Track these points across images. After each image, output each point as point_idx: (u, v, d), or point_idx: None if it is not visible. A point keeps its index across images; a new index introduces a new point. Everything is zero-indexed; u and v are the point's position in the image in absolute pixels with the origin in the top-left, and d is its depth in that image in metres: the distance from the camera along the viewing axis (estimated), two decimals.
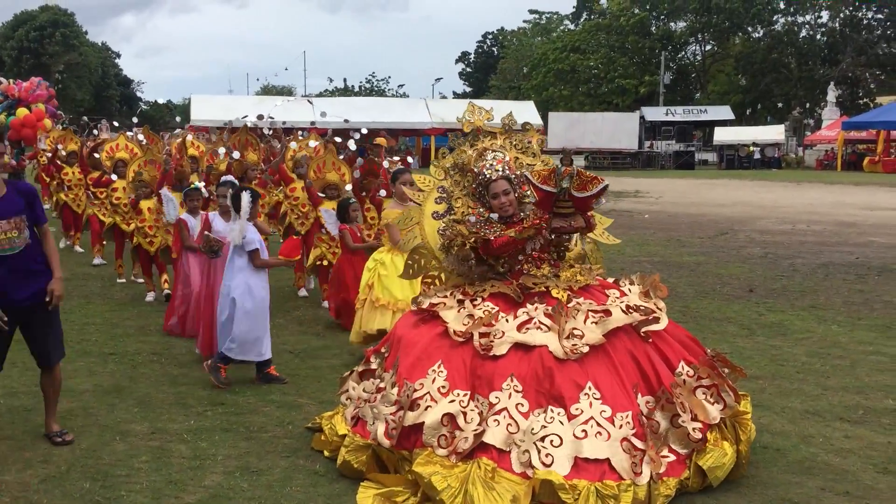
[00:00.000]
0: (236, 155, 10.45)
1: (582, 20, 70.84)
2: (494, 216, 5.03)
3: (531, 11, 79.98)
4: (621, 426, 4.25)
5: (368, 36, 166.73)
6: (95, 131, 19.16)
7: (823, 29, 63.26)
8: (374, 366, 5.14)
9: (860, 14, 61.80)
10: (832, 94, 54.22)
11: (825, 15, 62.86)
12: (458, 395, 4.46)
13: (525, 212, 5.06)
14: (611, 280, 5.19)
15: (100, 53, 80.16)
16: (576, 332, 4.54)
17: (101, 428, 5.36)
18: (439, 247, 5.18)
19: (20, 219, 4.92)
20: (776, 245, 14.85)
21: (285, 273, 10.46)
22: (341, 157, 9.98)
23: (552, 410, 4.29)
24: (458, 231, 4.96)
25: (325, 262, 9.16)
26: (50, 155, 14.67)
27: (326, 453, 4.94)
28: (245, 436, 5.32)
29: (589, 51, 63.78)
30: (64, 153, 14.35)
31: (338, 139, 11.00)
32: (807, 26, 63.59)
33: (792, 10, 62.67)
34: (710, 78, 67.21)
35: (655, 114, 53.00)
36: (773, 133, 52.72)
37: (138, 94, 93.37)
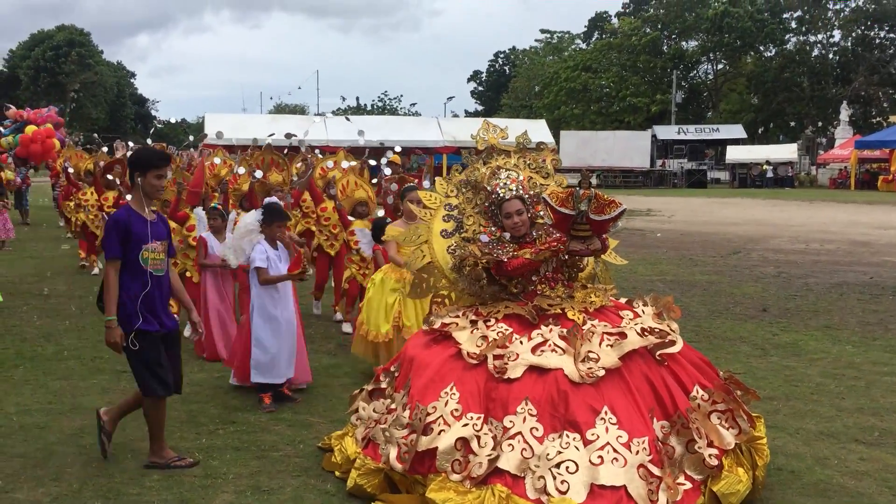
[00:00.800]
0: (258, 174, 9.89)
1: (593, 39, 71.20)
2: (507, 235, 5.01)
3: (543, 31, 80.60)
4: (638, 452, 4.19)
5: (380, 55, 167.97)
6: (105, 148, 19.11)
7: (836, 48, 63.34)
8: (384, 385, 5.12)
9: (872, 33, 61.80)
10: (845, 112, 54.14)
11: (837, 34, 62.98)
12: (472, 418, 4.41)
13: (537, 232, 5.03)
14: (624, 301, 5.15)
15: (115, 72, 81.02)
16: (591, 355, 4.48)
17: (113, 446, 5.36)
18: (450, 266, 5.15)
19: (166, 244, 5.11)
20: (789, 264, 14.78)
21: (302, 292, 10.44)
22: (374, 180, 9.82)
23: (568, 436, 4.23)
24: (471, 251, 4.92)
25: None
26: (69, 174, 14.70)
27: (337, 473, 4.92)
28: (256, 454, 5.31)
29: (601, 70, 64.00)
30: (72, 172, 14.40)
31: (372, 161, 10.72)
32: (819, 45, 63.69)
33: (804, 29, 62.78)
34: (722, 97, 67.27)
35: (667, 132, 53.06)
36: (786, 152, 52.69)
37: (153, 112, 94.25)
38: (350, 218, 9.09)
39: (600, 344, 4.56)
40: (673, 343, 4.70)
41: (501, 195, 5.02)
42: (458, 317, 4.96)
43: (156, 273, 4.96)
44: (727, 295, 11.55)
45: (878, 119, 60.65)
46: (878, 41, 62.14)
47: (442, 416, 4.44)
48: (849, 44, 62.50)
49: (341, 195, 9.27)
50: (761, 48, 63.42)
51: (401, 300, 7.06)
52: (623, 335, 4.62)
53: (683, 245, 18.10)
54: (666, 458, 4.26)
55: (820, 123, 63.38)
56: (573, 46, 75.80)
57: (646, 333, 4.66)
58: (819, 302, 10.94)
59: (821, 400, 6.54)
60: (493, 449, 4.27)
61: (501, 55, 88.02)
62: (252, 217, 6.62)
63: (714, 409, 4.56)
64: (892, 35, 61.49)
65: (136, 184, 5.02)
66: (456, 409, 4.44)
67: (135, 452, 5.29)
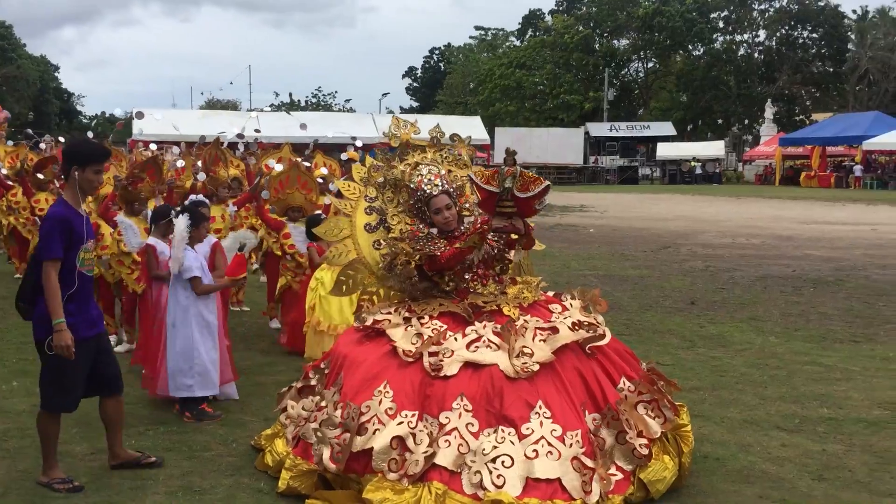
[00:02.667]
0: (202, 176, 9.38)
1: (527, 37, 71.69)
2: (434, 231, 4.99)
3: (477, 28, 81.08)
4: (571, 445, 4.26)
5: (314, 51, 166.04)
6: (43, 145, 17.82)
7: (761, 48, 65.14)
8: (313, 382, 5.06)
9: (796, 33, 63.73)
10: (769, 110, 55.76)
11: (762, 34, 64.80)
12: (406, 416, 4.39)
13: (465, 226, 5.03)
14: (552, 294, 5.21)
15: (38, 66, 78.45)
16: (525, 350, 4.52)
17: (38, 449, 5.19)
18: (381, 266, 5.05)
19: (93, 242, 4.94)
20: (717, 258, 15.17)
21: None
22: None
23: (503, 430, 4.28)
24: (401, 248, 4.87)
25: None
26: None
27: (270, 472, 4.88)
28: (187, 455, 5.23)
29: (535, 67, 64.54)
30: (4, 173, 12.64)
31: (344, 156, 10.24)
32: (745, 45, 65.46)
33: (731, 28, 64.39)
34: (653, 94, 68.59)
35: (600, 129, 53.84)
36: (714, 149, 54.01)
37: (78, 107, 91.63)
38: (282, 219, 8.50)
39: (533, 339, 4.60)
40: (602, 336, 4.77)
41: (428, 192, 4.97)
42: (390, 313, 4.92)
43: (87, 273, 4.79)
44: (657, 288, 11.81)
45: (801, 117, 62.66)
46: (801, 41, 64.14)
47: (376, 414, 4.42)
48: (773, 43, 64.36)
49: (275, 194, 8.55)
50: (690, 47, 64.85)
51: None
52: (555, 330, 4.67)
53: (615, 240, 18.42)
54: (598, 449, 4.35)
55: (746, 121, 65.23)
56: (507, 44, 76.25)
57: (576, 328, 4.72)
58: (744, 295, 11.26)
59: (745, 389, 6.74)
60: (430, 446, 4.28)
61: (436, 52, 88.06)
62: (183, 224, 6.17)
63: (640, 399, 4.66)
64: (814, 35, 63.52)
65: (73, 178, 4.68)
66: (390, 408, 4.43)
67: (62, 455, 5.14)
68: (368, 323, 4.90)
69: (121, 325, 8.41)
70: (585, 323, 4.80)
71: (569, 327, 4.71)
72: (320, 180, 9.37)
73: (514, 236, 4.99)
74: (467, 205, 5.10)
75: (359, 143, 11.20)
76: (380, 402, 4.45)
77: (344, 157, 10.59)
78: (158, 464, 5.02)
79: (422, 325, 4.75)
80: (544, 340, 4.59)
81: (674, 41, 63.26)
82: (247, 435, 5.58)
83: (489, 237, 4.89)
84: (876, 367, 7.46)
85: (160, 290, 6.63)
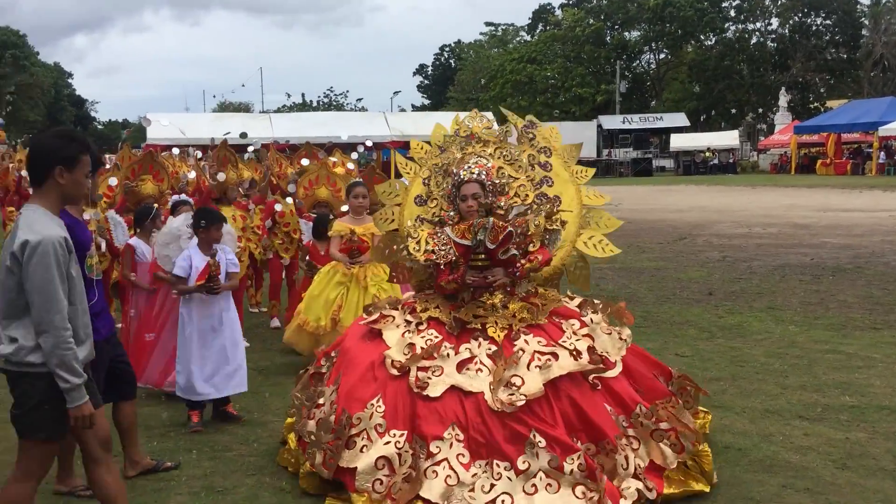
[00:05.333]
0: (221, 177, 9.30)
1: (538, 31, 71.55)
2: (452, 213, 4.97)
3: (487, 24, 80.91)
4: (571, 471, 4.10)
5: (324, 52, 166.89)
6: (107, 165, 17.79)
7: (773, 35, 64.70)
8: (324, 369, 5.06)
9: (809, 20, 63.24)
10: (784, 99, 55.39)
11: (775, 22, 64.35)
12: (395, 435, 4.32)
13: (483, 224, 4.81)
14: (576, 303, 5.02)
15: (52, 74, 79.06)
16: (514, 380, 4.34)
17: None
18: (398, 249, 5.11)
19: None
20: (734, 248, 15.08)
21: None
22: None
23: (498, 465, 4.15)
24: (418, 263, 4.92)
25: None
26: (20, 181, 12.94)
27: (290, 469, 4.89)
28: (209, 455, 5.26)
29: (545, 61, 64.41)
30: (25, 173, 12.28)
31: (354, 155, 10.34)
32: (757, 33, 65.07)
33: (742, 17, 63.97)
34: (665, 86, 68.27)
35: (612, 122, 53.65)
36: (728, 138, 53.72)
37: (92, 113, 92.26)
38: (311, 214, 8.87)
39: (529, 364, 4.42)
40: (604, 369, 4.53)
41: (462, 177, 4.93)
42: (395, 310, 4.92)
43: (98, 278, 4.66)
44: (674, 280, 11.75)
45: (815, 104, 62.15)
46: (814, 28, 63.62)
47: (366, 429, 4.37)
48: (786, 31, 63.88)
49: (304, 191, 8.97)
50: (702, 37, 64.49)
51: (343, 296, 7.05)
52: (555, 356, 4.47)
53: (631, 232, 18.34)
54: (599, 467, 4.18)
55: (760, 110, 64.79)
56: (518, 38, 76.20)
57: (579, 356, 4.49)
58: (762, 284, 11.19)
59: (765, 379, 6.70)
60: (410, 467, 4.20)
61: (447, 48, 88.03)
62: (178, 222, 6.13)
63: (657, 427, 4.50)
64: (828, 22, 63.01)
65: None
66: (380, 424, 4.37)
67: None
68: (374, 316, 4.90)
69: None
70: (594, 351, 4.55)
71: (571, 354, 4.49)
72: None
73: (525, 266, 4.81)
74: (503, 204, 4.97)
75: (369, 143, 11.28)
76: (370, 417, 4.39)
77: (354, 155, 10.65)
78: (175, 467, 5.02)
79: (419, 331, 4.69)
80: (540, 367, 4.40)
81: (685, 31, 62.94)
82: (267, 434, 5.60)
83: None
84: None
85: (167, 290, 6.50)
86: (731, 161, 51.12)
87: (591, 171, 5.70)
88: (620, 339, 4.81)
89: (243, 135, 11.66)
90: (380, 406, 4.41)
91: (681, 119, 54.50)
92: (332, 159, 10.60)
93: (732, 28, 64.33)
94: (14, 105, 68.92)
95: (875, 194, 28.78)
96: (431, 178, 5.29)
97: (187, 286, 5.81)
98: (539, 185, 5.29)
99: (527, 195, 5.22)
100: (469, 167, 4.95)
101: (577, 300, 5.08)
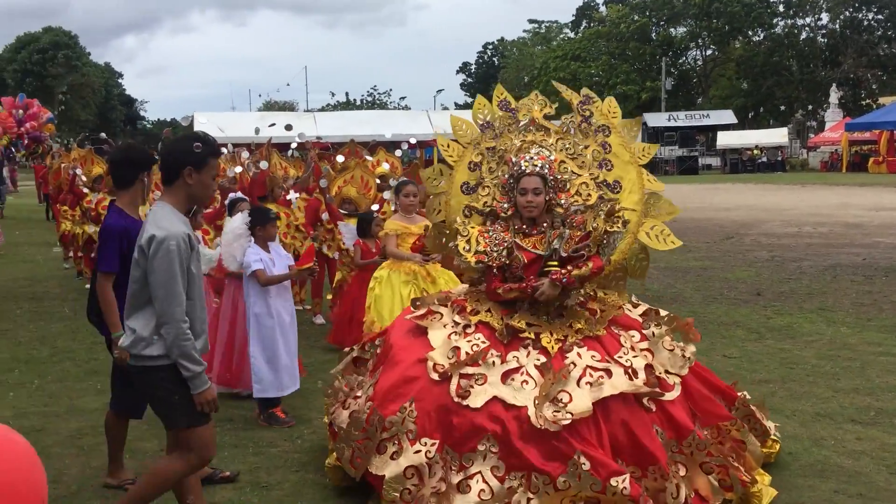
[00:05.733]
0: (263, 165, 9.19)
1: (581, 28, 71.05)
2: (509, 210, 4.67)
3: (530, 21, 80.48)
4: (614, 493, 3.83)
5: (368, 51, 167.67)
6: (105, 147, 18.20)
7: (824, 31, 63.39)
8: (367, 356, 4.96)
9: (860, 15, 61.87)
10: (834, 95, 54.27)
11: (825, 17, 63.00)
12: (426, 443, 4.11)
13: (550, 223, 4.62)
14: (641, 312, 4.72)
15: (103, 74, 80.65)
16: (562, 395, 4.07)
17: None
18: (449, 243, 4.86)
19: None
20: (782, 248, 14.81)
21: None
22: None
23: (536, 478, 3.94)
24: (468, 265, 4.63)
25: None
26: (74, 180, 12.87)
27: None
28: (255, 451, 5.30)
29: (589, 58, 63.93)
30: (83, 178, 12.56)
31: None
32: (807, 29, 63.71)
33: (792, 12, 62.79)
34: (712, 82, 67.28)
35: (658, 120, 53.02)
36: (777, 136, 52.82)
37: (142, 112, 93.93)
38: (341, 211, 8.80)
39: (580, 380, 4.14)
40: (661, 393, 4.24)
41: (523, 168, 4.58)
42: (444, 306, 4.66)
43: None
44: (721, 280, 11.57)
45: (867, 101, 60.71)
46: (865, 23, 62.21)
47: (397, 434, 4.18)
48: (837, 26, 62.53)
49: (337, 189, 8.93)
50: (749, 33, 63.42)
51: (416, 289, 6.79)
52: (608, 373, 4.19)
53: (676, 231, 17.89)
54: (643, 491, 3.96)
55: (810, 107, 63.53)
56: (561, 36, 75.74)
57: (635, 375, 4.21)
58: (813, 284, 10.96)
59: (817, 381, 6.56)
60: (441, 479, 4.03)
61: (490, 46, 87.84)
62: (239, 220, 6.22)
63: (706, 460, 4.22)
64: (879, 17, 61.56)
65: (142, 182, 4.66)
66: (411, 431, 4.15)
67: (133, 453, 5.27)
68: (422, 311, 4.65)
69: None
70: (651, 370, 4.27)
71: (626, 371, 4.20)
72: (377, 180, 9.46)
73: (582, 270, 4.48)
74: (563, 202, 4.65)
75: (413, 141, 11.29)
76: (403, 422, 4.18)
77: (398, 153, 10.68)
78: (233, 478, 4.87)
79: (465, 334, 4.44)
80: (591, 384, 4.12)
81: (732, 27, 61.93)
82: (311, 431, 5.63)
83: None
84: None
85: (228, 287, 6.57)
86: (779, 159, 50.25)
87: (655, 147, 5.30)
88: (683, 356, 4.47)
89: (288, 127, 11.71)
90: (412, 412, 4.18)
91: (728, 116, 53.69)
92: (369, 158, 10.54)
93: (781, 23, 63.19)
94: (67, 104, 70.34)
95: None
96: (484, 163, 4.91)
97: (278, 275, 5.98)
98: (600, 168, 4.92)
99: (589, 195, 4.80)
100: (531, 158, 4.60)
101: (641, 308, 4.75)
